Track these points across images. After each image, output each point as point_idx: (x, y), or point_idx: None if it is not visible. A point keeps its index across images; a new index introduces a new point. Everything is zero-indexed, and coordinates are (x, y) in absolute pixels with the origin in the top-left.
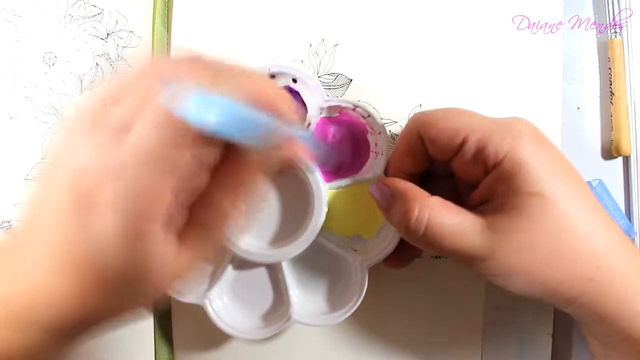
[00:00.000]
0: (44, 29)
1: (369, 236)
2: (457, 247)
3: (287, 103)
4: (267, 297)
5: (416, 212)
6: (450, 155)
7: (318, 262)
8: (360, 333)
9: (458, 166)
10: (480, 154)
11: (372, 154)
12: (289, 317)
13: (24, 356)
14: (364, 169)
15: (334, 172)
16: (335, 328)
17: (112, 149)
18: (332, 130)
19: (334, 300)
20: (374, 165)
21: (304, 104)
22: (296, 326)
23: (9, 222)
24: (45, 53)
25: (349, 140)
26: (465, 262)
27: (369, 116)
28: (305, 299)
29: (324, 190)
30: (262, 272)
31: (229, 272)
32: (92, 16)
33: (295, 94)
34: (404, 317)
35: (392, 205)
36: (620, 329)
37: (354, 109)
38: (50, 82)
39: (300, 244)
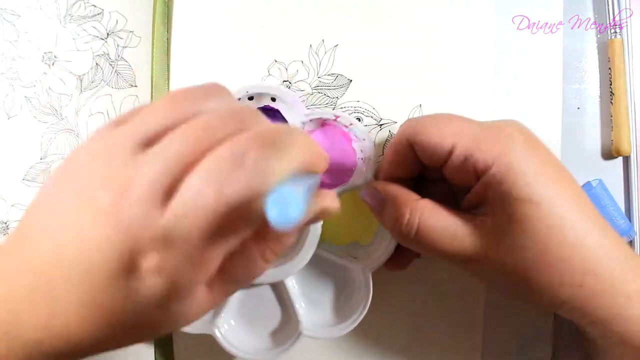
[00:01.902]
0: (44, 29)
1: (366, 242)
2: (447, 249)
3: (323, 160)
4: (274, 315)
5: (407, 216)
6: (440, 162)
7: (321, 275)
8: (360, 335)
9: (449, 172)
10: (468, 160)
11: (359, 161)
12: (299, 334)
13: None
14: (353, 176)
15: (323, 183)
16: None
17: (156, 208)
18: (316, 142)
19: (341, 311)
20: (363, 172)
21: (285, 121)
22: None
23: (6, 223)
24: (45, 53)
25: (335, 150)
26: (457, 264)
27: (351, 125)
28: (312, 313)
29: None
30: (266, 292)
31: (234, 296)
32: (92, 16)
33: (275, 112)
34: (404, 318)
35: (383, 209)
36: (612, 333)
37: (335, 119)
38: (49, 82)
39: (301, 260)
